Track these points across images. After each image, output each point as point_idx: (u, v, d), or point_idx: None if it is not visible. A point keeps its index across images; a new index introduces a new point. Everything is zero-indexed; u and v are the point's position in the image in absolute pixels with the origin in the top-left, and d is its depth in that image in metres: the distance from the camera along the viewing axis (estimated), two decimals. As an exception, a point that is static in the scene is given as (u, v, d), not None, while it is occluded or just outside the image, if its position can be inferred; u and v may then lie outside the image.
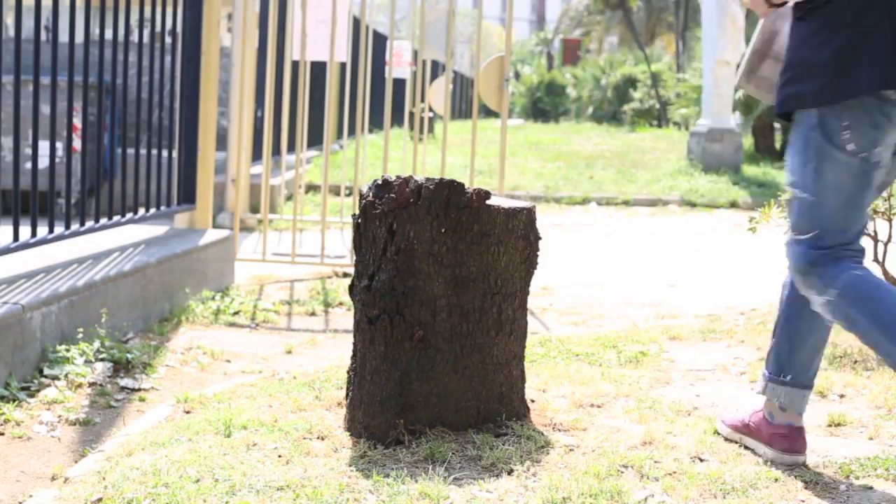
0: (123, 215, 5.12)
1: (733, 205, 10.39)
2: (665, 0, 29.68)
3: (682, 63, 23.28)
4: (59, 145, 7.30)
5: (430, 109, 7.37)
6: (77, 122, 6.79)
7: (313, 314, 5.26)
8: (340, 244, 7.10)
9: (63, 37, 9.13)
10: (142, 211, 5.30)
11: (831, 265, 2.71)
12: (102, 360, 3.98)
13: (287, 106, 6.76)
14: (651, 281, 6.36)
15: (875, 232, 4.04)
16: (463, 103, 29.48)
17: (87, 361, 3.92)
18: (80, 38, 4.69)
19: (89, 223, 4.83)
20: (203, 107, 5.67)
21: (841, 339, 4.07)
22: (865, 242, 4.06)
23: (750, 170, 12.45)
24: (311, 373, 3.80)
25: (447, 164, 6.53)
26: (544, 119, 28.31)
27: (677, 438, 2.99)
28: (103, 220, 4.95)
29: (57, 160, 5.32)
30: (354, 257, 3.05)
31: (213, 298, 5.24)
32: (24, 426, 3.36)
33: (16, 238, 4.16)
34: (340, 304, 5.43)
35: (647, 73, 22.56)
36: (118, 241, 5.07)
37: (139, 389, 3.82)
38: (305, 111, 6.97)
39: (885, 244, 4.04)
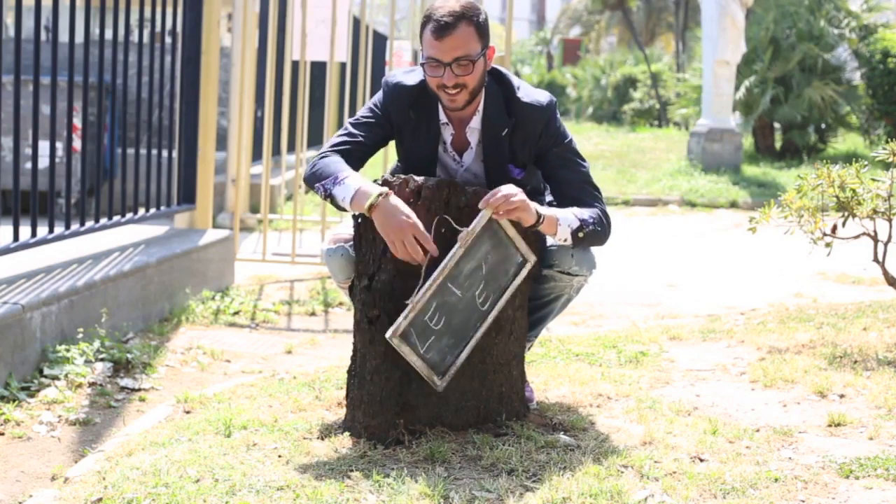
0: (123, 215, 5.12)
1: (733, 205, 10.39)
2: (664, 0, 29.67)
3: (681, 63, 23.27)
4: (60, 145, 7.30)
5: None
6: (77, 122, 6.79)
7: (313, 314, 5.26)
8: (340, 244, 7.09)
9: (63, 37, 9.13)
10: (142, 211, 5.30)
11: None
12: (102, 360, 3.98)
13: (287, 106, 6.76)
14: (651, 281, 6.36)
15: (875, 232, 4.04)
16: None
17: (87, 361, 3.92)
18: (80, 38, 4.69)
19: (89, 223, 4.83)
20: (203, 107, 5.67)
21: (841, 339, 4.07)
22: (866, 242, 4.08)
23: (750, 170, 12.44)
24: (311, 373, 3.81)
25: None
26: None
27: (677, 438, 2.98)
28: (103, 220, 4.95)
29: (57, 160, 5.32)
30: (355, 257, 3.05)
31: (213, 298, 5.24)
32: (24, 426, 3.36)
33: (16, 238, 4.16)
34: (340, 304, 5.43)
35: (647, 73, 22.56)
36: (118, 241, 5.07)
37: (139, 389, 3.82)
38: (305, 111, 6.96)
39: (885, 244, 4.04)
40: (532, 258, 2.96)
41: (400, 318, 2.81)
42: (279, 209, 8.19)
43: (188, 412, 3.37)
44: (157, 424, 3.23)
